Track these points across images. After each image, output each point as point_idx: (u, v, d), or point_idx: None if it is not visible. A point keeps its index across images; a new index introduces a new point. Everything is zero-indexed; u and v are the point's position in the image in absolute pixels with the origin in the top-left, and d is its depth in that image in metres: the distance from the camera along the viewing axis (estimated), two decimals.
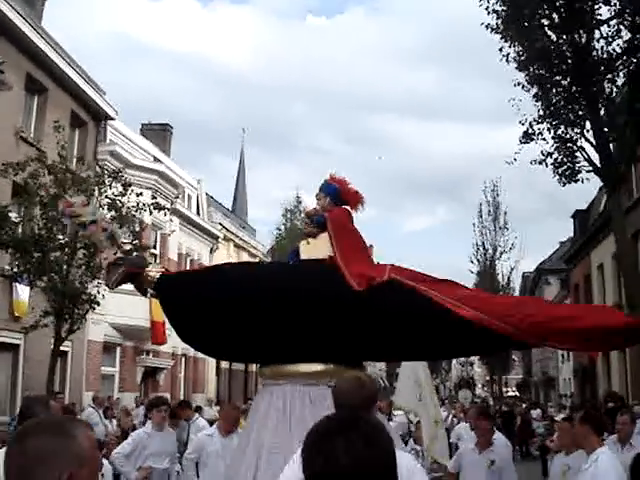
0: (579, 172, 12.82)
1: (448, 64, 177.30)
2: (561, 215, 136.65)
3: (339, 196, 5.62)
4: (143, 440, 8.17)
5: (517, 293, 52.50)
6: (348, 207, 5.67)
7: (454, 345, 5.28)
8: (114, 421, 17.52)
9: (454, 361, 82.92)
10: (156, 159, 26.95)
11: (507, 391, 59.42)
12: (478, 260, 40.61)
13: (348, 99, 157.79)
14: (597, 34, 12.31)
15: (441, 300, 4.78)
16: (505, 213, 40.06)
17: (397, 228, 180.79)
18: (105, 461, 8.45)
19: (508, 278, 42.93)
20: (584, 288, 34.28)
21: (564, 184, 12.88)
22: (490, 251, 39.81)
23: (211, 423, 21.00)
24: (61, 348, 15.30)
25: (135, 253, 8.29)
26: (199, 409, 19.58)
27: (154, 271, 5.52)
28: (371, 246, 5.60)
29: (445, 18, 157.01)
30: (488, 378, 78.36)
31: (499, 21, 12.51)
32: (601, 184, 28.74)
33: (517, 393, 64.74)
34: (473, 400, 33.88)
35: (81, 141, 21.86)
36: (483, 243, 40.04)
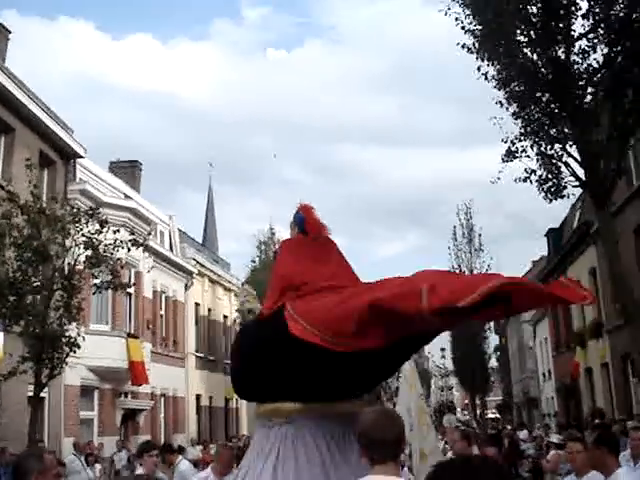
0: (565, 188, 12.76)
1: (409, 92, 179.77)
2: (528, 235, 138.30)
3: (304, 225, 5.40)
4: None
5: None
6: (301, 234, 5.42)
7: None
8: (97, 466, 17.02)
9: (433, 386, 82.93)
10: (127, 196, 26.57)
11: (487, 413, 59.16)
12: None
13: (312, 130, 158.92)
14: (575, 48, 12.31)
15: (287, 317, 4.49)
16: (479, 235, 40.21)
17: (369, 255, 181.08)
18: None
19: None
20: (562, 306, 34.30)
21: (550, 200, 12.80)
22: (467, 273, 39.75)
23: (195, 463, 20.61)
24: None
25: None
26: (182, 449, 19.10)
27: None
28: None
29: (403, 47, 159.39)
30: (467, 401, 78.42)
31: (475, 40, 12.48)
32: (573, 202, 29.18)
33: (498, 415, 64.57)
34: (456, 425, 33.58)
35: (50, 181, 21.40)
36: (459, 266, 40.08)
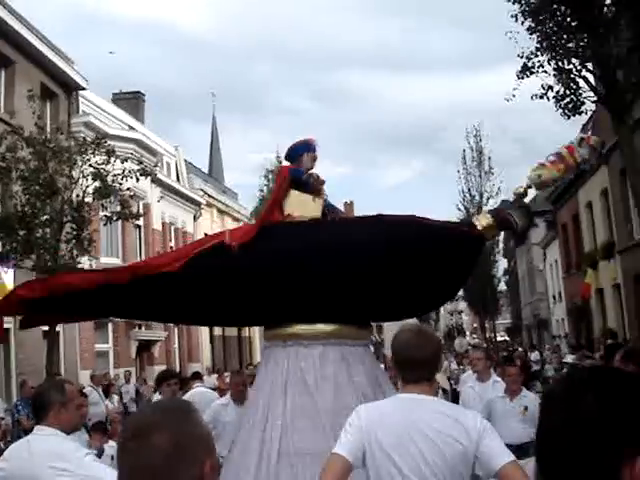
0: (583, 103, 12.41)
1: (412, 14, 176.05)
2: (537, 159, 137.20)
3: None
4: None
5: (502, 237, 52.55)
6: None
7: None
8: (115, 397, 17.18)
9: (442, 310, 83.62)
10: (131, 128, 26.22)
11: (496, 336, 59.75)
12: (465, 207, 40.33)
13: (312, 56, 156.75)
14: None
15: None
16: (489, 158, 39.72)
17: (374, 183, 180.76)
18: (112, 442, 8.06)
19: None
20: (572, 227, 34.18)
21: (568, 117, 12.45)
22: (477, 197, 39.56)
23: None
24: None
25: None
26: (199, 376, 19.28)
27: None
28: (351, 202, 5.51)
29: None
30: (475, 325, 79.15)
31: None
32: (584, 122, 28.68)
33: (507, 338, 65.23)
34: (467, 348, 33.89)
35: (53, 113, 21.07)
36: (469, 189, 39.78)
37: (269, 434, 4.57)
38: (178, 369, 25.86)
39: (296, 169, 5.44)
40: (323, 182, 5.44)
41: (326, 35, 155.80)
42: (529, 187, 5.15)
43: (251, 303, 4.89)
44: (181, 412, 1.66)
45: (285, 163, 5.67)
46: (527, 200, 5.30)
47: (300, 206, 5.27)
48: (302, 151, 5.48)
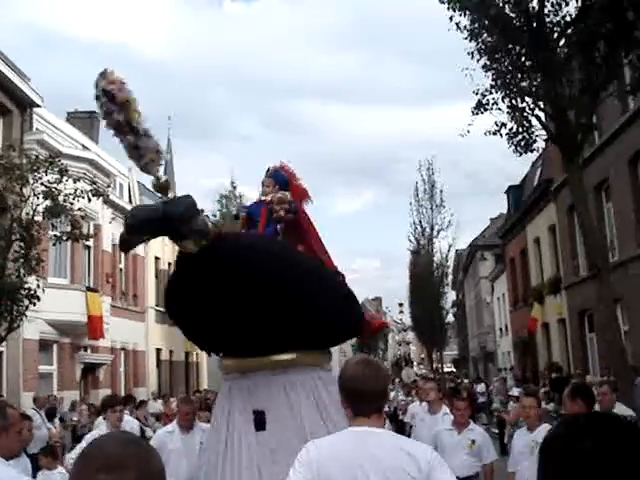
0: (535, 141, 12.71)
1: (368, 48, 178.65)
2: (486, 193, 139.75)
3: (287, 188, 5.61)
4: None
5: (451, 270, 53.12)
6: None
7: None
8: (56, 421, 16.78)
9: (390, 340, 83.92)
10: (85, 147, 25.95)
11: (443, 367, 60.11)
12: (416, 239, 40.75)
13: (268, 85, 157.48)
14: (549, 1, 12.16)
15: None
16: (441, 191, 40.22)
17: (325, 212, 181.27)
18: (61, 468, 7.88)
19: (446, 256, 43.26)
20: (520, 262, 34.75)
21: (520, 154, 12.74)
22: (428, 229, 39.96)
23: (157, 417, 20.52)
24: None
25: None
26: (143, 403, 18.94)
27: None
28: None
29: (364, 2, 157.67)
30: (423, 355, 79.49)
31: None
32: (534, 159, 29.32)
33: (454, 369, 65.68)
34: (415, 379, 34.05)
35: (6, 130, 20.76)
36: (420, 222, 40.16)
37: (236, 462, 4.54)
38: (123, 393, 25.43)
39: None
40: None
41: (280, 65, 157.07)
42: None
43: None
44: (145, 448, 1.66)
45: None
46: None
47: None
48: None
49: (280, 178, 5.61)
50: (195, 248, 4.50)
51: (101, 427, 8.37)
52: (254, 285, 4.56)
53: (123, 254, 29.46)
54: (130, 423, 9.81)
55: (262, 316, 4.64)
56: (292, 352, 4.89)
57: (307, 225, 5.41)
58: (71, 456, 7.72)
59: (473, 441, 7.66)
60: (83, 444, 7.78)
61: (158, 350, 32.67)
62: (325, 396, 4.86)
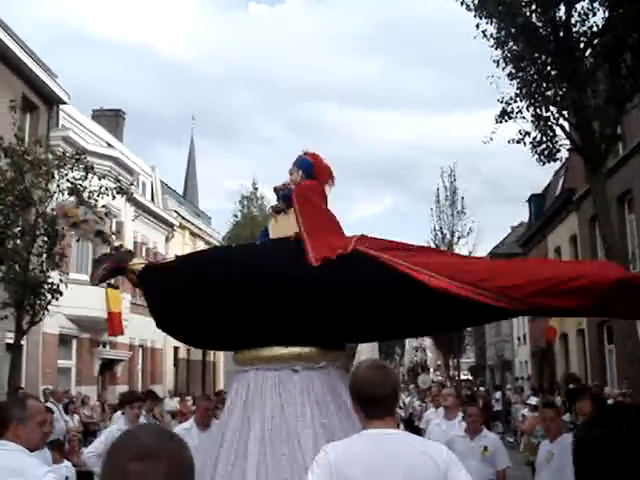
0: (558, 151, 12.69)
1: (391, 53, 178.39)
2: (505, 201, 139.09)
3: (312, 170, 5.49)
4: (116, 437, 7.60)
5: None
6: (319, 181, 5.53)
7: (433, 318, 4.90)
8: (75, 416, 16.94)
9: (407, 346, 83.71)
10: (109, 145, 26.18)
11: (459, 374, 59.92)
12: (436, 245, 40.61)
13: (291, 88, 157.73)
14: (576, 10, 12.15)
15: (408, 269, 4.49)
16: (462, 198, 40.08)
17: (345, 216, 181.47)
18: (68, 462, 7.96)
19: None
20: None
21: (543, 163, 12.73)
22: (448, 236, 39.78)
23: (173, 415, 20.64)
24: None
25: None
26: (159, 400, 19.07)
27: (138, 264, 5.66)
28: None
29: (387, 6, 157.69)
30: (439, 362, 79.19)
31: None
32: (557, 168, 29.19)
33: (470, 377, 65.40)
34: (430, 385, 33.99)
35: (33, 126, 20.99)
36: (441, 228, 40.00)
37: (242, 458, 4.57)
38: (140, 390, 25.61)
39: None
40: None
41: (303, 68, 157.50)
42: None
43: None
44: (178, 442, 1.70)
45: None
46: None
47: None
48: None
49: (304, 163, 5.51)
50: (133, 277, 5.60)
51: (119, 422, 8.42)
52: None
53: (145, 252, 29.68)
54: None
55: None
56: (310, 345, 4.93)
57: (300, 207, 5.16)
58: (89, 450, 7.78)
59: (486, 447, 7.64)
60: (102, 438, 7.88)
61: (176, 348, 32.85)
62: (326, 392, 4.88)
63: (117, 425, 8.31)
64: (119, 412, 10.10)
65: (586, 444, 1.66)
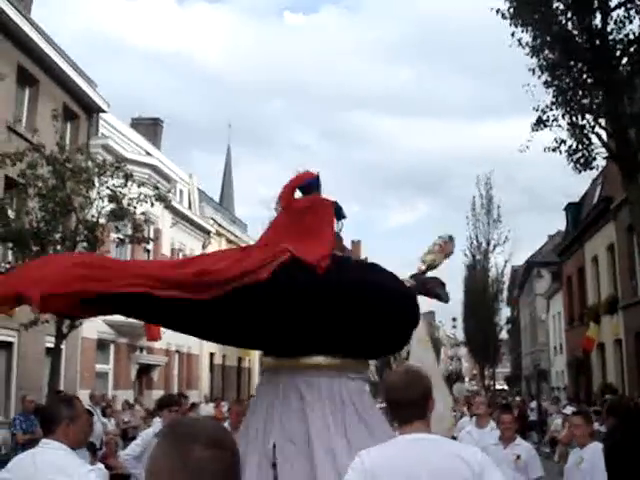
0: (594, 159, 12.65)
1: (425, 62, 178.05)
2: (542, 210, 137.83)
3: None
4: (153, 441, 7.68)
5: (506, 286, 52.56)
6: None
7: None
8: (112, 419, 17.19)
9: (442, 355, 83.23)
10: (148, 153, 26.55)
11: (495, 384, 59.44)
12: (472, 253, 40.54)
13: (327, 97, 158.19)
14: (612, 18, 12.12)
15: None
16: (498, 207, 40.02)
17: (380, 224, 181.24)
18: (101, 464, 8.09)
19: (502, 272, 42.86)
20: (577, 280, 34.25)
21: (579, 171, 12.69)
22: (484, 244, 39.72)
23: None
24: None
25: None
26: (194, 405, 19.26)
27: None
28: (359, 241, 5.52)
29: (421, 16, 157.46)
30: (475, 372, 78.69)
31: (510, 6, 12.29)
32: (594, 177, 28.93)
33: (506, 386, 64.84)
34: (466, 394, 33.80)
35: (73, 134, 21.42)
36: (477, 236, 39.99)
37: (264, 457, 4.63)
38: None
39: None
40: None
41: (338, 76, 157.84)
42: (427, 268, 5.69)
43: (295, 327, 4.79)
44: (229, 433, 1.80)
45: (298, 194, 5.68)
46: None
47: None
48: (315, 186, 5.51)
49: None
50: None
51: (156, 426, 8.53)
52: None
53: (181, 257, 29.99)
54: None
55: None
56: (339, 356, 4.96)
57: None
58: (127, 452, 7.89)
59: (519, 456, 7.65)
60: (139, 441, 7.97)
61: (212, 354, 33.11)
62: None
63: (154, 428, 8.42)
64: (157, 417, 10.25)
65: (613, 449, 1.71)
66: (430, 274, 5.66)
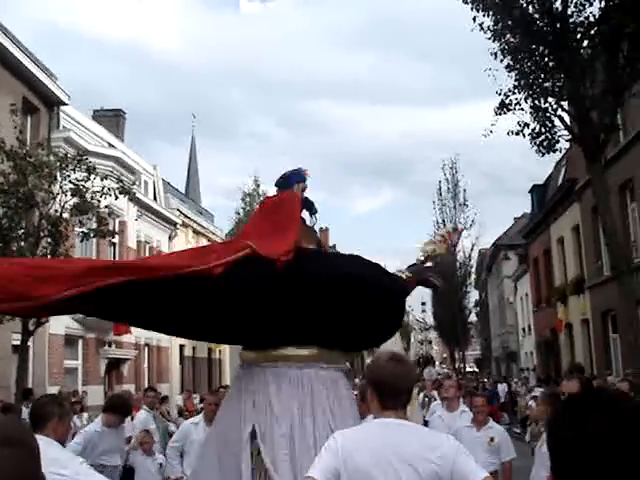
0: (557, 142, 12.75)
1: (383, 48, 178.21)
2: (505, 193, 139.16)
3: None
4: (94, 438, 7.48)
5: (474, 269, 52.97)
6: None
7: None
8: (84, 415, 17.04)
9: (412, 339, 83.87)
10: (111, 145, 26.24)
11: (465, 367, 60.03)
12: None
13: (284, 85, 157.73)
14: (572, 1, 12.19)
15: None
16: (464, 191, 40.29)
17: (345, 211, 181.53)
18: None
19: (469, 255, 43.19)
20: (544, 262, 34.63)
21: (542, 154, 12.79)
22: (451, 227, 39.96)
23: (179, 412, 20.69)
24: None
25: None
26: (165, 399, 19.15)
27: None
28: (326, 229, 5.53)
29: (378, 2, 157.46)
30: (445, 355, 79.34)
31: None
32: (558, 159, 29.20)
33: (476, 369, 65.48)
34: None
35: (34, 128, 21.04)
36: (444, 220, 40.20)
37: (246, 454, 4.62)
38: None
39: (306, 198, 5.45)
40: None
41: (295, 65, 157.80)
42: (426, 258, 5.73)
43: (260, 321, 4.79)
44: (28, 431, 1.80)
45: (274, 189, 5.65)
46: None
47: (303, 236, 5.18)
48: (294, 180, 5.44)
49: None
50: None
51: (97, 423, 8.15)
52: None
53: (148, 251, 29.75)
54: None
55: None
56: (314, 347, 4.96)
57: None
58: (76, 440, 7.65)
59: (492, 438, 7.72)
60: (79, 439, 7.57)
61: (181, 346, 32.94)
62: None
63: (94, 426, 7.97)
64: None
65: (558, 444, 1.63)
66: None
